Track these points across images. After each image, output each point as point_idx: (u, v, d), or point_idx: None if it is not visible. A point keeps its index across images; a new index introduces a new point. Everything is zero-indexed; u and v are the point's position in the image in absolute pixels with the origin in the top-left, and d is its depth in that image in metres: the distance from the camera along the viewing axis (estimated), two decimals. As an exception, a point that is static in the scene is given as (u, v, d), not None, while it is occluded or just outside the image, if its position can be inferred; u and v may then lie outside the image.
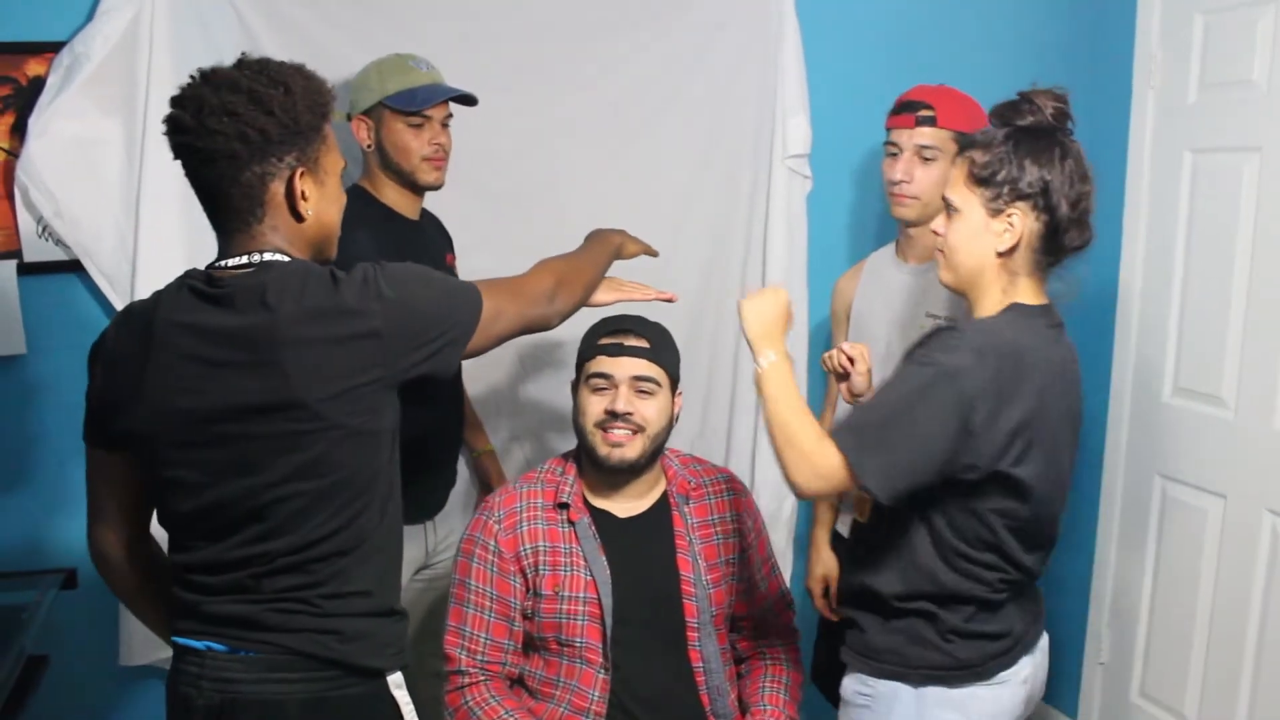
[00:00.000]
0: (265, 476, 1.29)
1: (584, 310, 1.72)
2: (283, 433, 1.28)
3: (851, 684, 1.67)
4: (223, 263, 1.33)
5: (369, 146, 2.04)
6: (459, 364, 1.51)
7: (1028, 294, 1.55)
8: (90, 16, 2.06)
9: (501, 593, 1.83)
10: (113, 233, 2.12)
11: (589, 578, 1.82)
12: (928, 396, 1.46)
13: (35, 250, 2.12)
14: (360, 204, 1.92)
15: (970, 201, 1.54)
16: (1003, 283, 1.55)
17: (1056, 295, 1.59)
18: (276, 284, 1.28)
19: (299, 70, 1.34)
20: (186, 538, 1.36)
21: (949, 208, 1.57)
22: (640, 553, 1.87)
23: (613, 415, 1.83)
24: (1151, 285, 2.53)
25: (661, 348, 1.89)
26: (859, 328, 2.20)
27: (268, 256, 1.32)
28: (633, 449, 1.83)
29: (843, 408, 1.89)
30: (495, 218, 2.36)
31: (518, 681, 1.88)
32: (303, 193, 1.33)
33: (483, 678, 1.82)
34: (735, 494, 1.99)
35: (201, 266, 1.36)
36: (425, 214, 2.15)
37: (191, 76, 1.31)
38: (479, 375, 2.39)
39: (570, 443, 1.99)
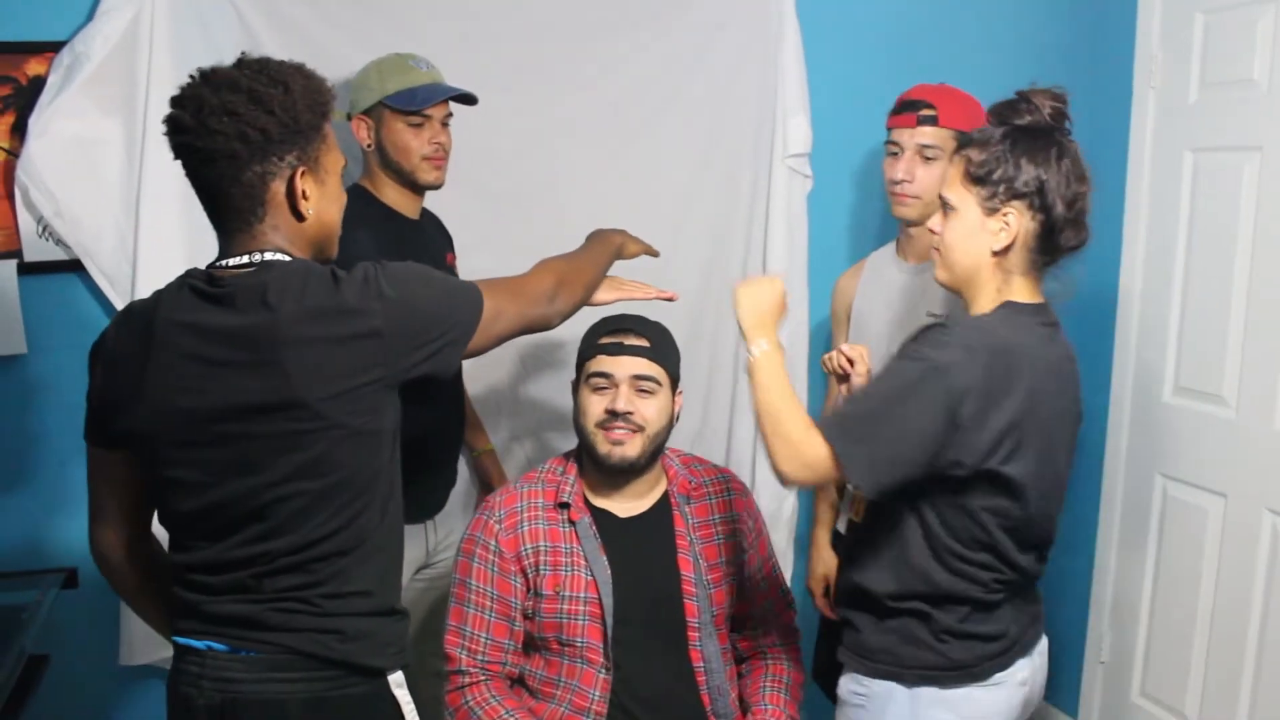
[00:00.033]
0: (266, 476, 1.29)
1: (584, 310, 1.72)
2: (284, 432, 1.28)
3: (847, 684, 1.67)
4: (223, 262, 1.33)
5: (369, 146, 2.04)
6: (460, 364, 1.51)
7: (1022, 293, 1.55)
8: (90, 16, 2.07)
9: (502, 593, 1.83)
10: (113, 232, 2.12)
11: (590, 578, 1.82)
12: (916, 391, 1.46)
13: (35, 250, 2.12)
14: (361, 203, 1.92)
15: (966, 200, 1.54)
16: (997, 281, 1.55)
17: (1052, 295, 1.59)
18: (277, 283, 1.28)
19: (299, 70, 1.34)
20: (187, 537, 1.36)
21: (945, 206, 1.57)
22: (641, 553, 1.87)
23: (613, 415, 1.83)
24: (1152, 284, 2.53)
25: (662, 347, 1.89)
26: (859, 327, 2.20)
27: (269, 256, 1.32)
28: (633, 448, 1.83)
29: (843, 409, 1.89)
30: (495, 218, 2.36)
31: (518, 681, 1.88)
32: (303, 192, 1.33)
33: (483, 677, 1.82)
34: (736, 494, 1.99)
35: (202, 266, 1.35)
36: (425, 213, 2.15)
37: (191, 76, 1.31)
38: (479, 375, 2.39)
39: (571, 442, 1.99)
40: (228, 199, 1.31)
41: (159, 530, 1.44)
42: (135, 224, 2.09)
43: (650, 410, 1.85)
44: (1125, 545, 2.62)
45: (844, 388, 1.78)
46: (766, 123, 2.50)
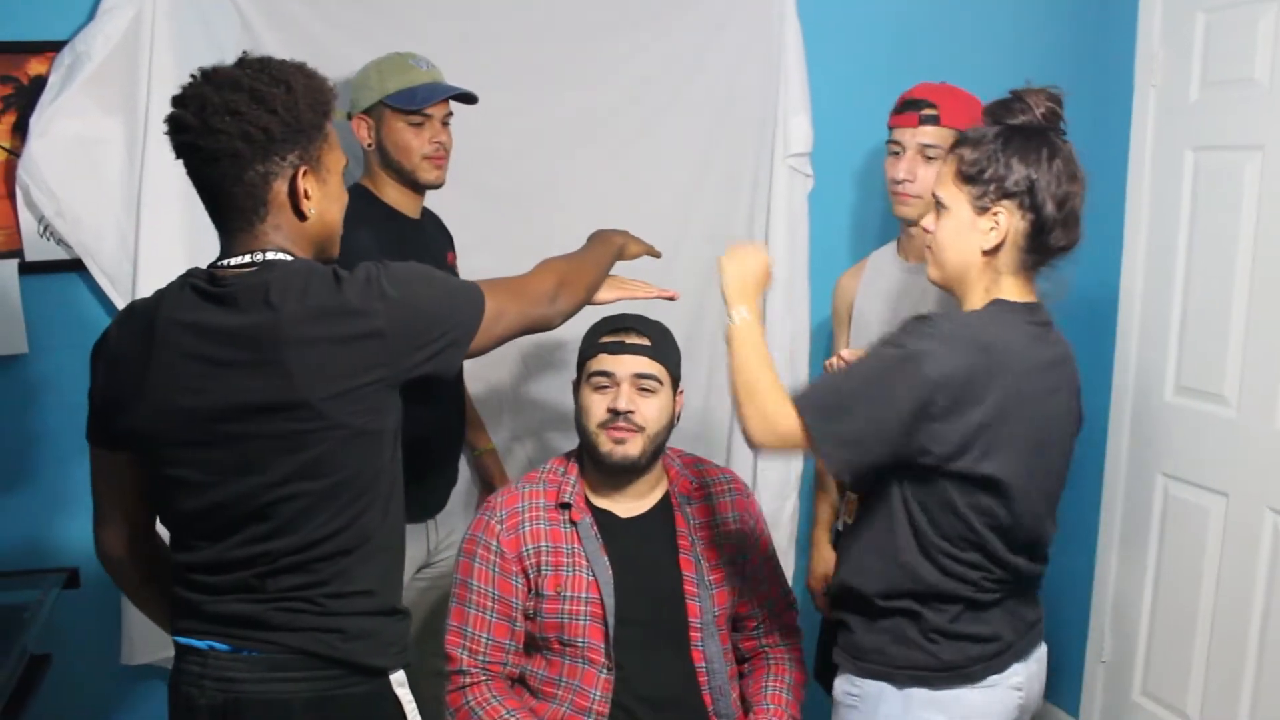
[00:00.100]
0: (268, 476, 1.29)
1: (585, 309, 1.72)
2: (285, 432, 1.28)
3: (841, 684, 1.67)
4: (225, 262, 1.33)
5: (369, 145, 2.04)
6: (461, 363, 1.51)
7: (1012, 292, 1.55)
8: (91, 15, 2.07)
9: (503, 593, 1.83)
10: (114, 232, 2.12)
11: (591, 578, 1.82)
12: (889, 375, 1.48)
13: (37, 249, 2.12)
14: (361, 203, 1.92)
15: (958, 199, 1.54)
16: (986, 281, 1.55)
17: (1044, 295, 1.59)
18: (279, 283, 1.28)
19: (300, 69, 1.34)
20: (189, 537, 1.36)
21: (938, 204, 1.58)
22: (642, 553, 1.87)
23: (615, 413, 1.83)
24: (1153, 283, 2.53)
25: (663, 346, 1.89)
26: (860, 326, 2.20)
27: (270, 255, 1.32)
28: (634, 446, 1.83)
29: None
30: (495, 217, 2.36)
31: (519, 681, 1.88)
32: (305, 191, 1.33)
33: (484, 678, 1.82)
34: (737, 494, 1.99)
35: (203, 265, 1.35)
36: (426, 213, 2.15)
37: (193, 75, 1.31)
38: (481, 374, 2.39)
39: (572, 442, 1.99)
40: (230, 198, 1.31)
41: (160, 530, 1.44)
42: (136, 223, 2.09)
43: (651, 409, 1.85)
44: (1126, 544, 2.62)
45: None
46: (767, 122, 2.49)
